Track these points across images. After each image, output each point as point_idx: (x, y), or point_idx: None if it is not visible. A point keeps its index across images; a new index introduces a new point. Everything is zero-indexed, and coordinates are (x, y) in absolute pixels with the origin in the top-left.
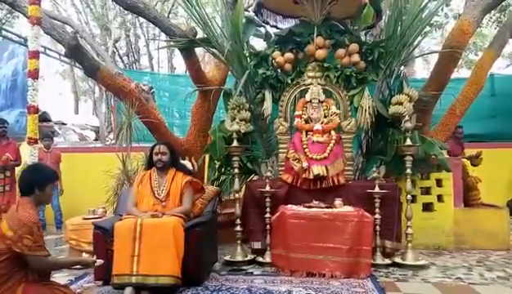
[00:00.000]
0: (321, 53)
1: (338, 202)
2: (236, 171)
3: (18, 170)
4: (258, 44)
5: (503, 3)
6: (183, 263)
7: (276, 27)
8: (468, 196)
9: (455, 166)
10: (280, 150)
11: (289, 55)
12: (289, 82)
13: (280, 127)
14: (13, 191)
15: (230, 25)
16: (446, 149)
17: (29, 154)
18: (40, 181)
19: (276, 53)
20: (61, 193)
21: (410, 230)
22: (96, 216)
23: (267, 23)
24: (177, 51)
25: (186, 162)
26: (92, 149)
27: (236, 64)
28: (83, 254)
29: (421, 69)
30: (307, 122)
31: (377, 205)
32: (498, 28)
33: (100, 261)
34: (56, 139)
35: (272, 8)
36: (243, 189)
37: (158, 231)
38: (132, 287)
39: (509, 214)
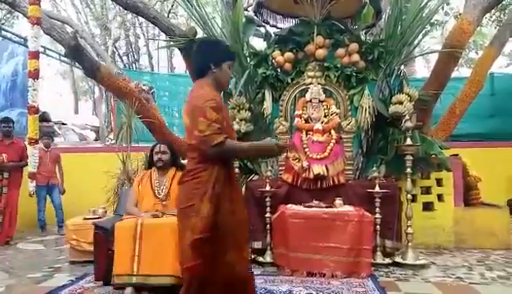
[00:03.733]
0: (321, 53)
1: (338, 201)
2: (236, 170)
3: (26, 170)
4: (258, 44)
5: (503, 2)
6: None
7: (275, 27)
8: (468, 195)
9: (456, 165)
10: None
11: (289, 54)
12: (289, 81)
13: (281, 127)
14: (12, 192)
15: (230, 25)
16: (446, 148)
17: (30, 154)
18: (216, 57)
19: (276, 53)
20: (63, 192)
21: (410, 230)
22: (97, 216)
23: (267, 22)
24: (176, 51)
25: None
26: (93, 149)
27: (236, 64)
28: None
29: (421, 68)
30: (307, 121)
31: (377, 204)
32: (498, 28)
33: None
34: (56, 139)
35: (272, 8)
36: (243, 189)
37: (158, 231)
38: (133, 287)
39: (509, 213)
